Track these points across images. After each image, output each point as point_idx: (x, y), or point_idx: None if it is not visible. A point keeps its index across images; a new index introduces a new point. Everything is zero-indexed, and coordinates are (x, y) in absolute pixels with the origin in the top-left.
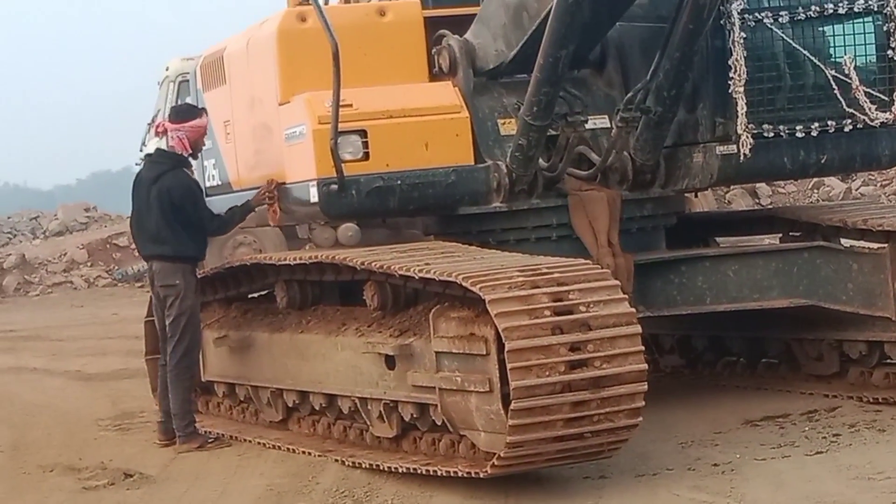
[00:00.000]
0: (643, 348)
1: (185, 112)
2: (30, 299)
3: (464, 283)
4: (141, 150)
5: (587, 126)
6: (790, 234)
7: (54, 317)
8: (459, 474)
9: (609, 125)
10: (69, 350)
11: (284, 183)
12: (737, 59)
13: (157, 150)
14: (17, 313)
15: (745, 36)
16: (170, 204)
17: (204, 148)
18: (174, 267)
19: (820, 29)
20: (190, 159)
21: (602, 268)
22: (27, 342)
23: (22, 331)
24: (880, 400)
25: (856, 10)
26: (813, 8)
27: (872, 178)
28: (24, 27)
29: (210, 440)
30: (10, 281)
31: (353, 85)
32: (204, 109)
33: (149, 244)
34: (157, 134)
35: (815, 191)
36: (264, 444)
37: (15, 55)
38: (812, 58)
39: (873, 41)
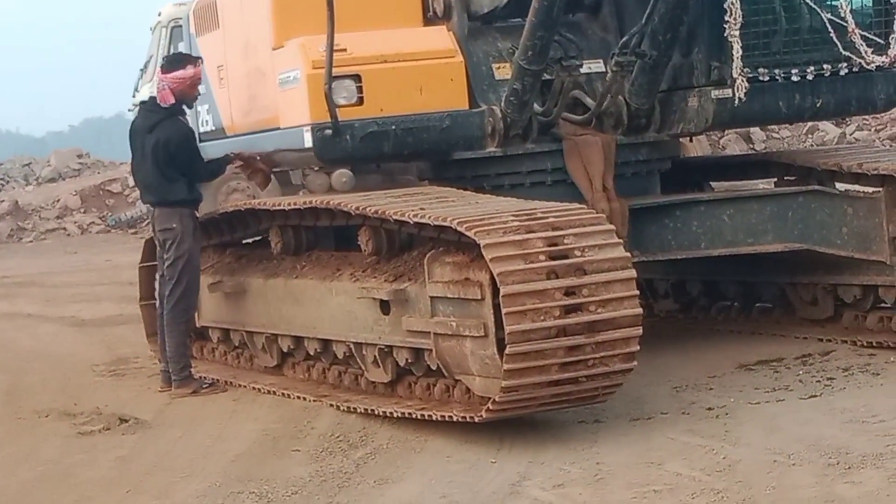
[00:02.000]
0: (638, 293)
1: (172, 62)
2: (23, 245)
3: (458, 228)
4: (133, 97)
5: (582, 70)
6: (785, 178)
7: (48, 263)
8: (454, 419)
9: (604, 69)
10: (63, 296)
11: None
12: (732, 3)
13: (151, 97)
14: (11, 259)
15: None
16: (165, 153)
17: (197, 97)
18: (172, 211)
19: None
20: (184, 107)
21: (597, 212)
22: (21, 288)
23: (16, 277)
24: (874, 344)
25: None
26: None
27: (867, 122)
28: None
29: (205, 385)
30: (4, 227)
31: (346, 29)
32: (195, 59)
33: (146, 192)
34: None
35: (810, 136)
36: (259, 390)
37: (6, 0)
38: (808, 1)
39: None
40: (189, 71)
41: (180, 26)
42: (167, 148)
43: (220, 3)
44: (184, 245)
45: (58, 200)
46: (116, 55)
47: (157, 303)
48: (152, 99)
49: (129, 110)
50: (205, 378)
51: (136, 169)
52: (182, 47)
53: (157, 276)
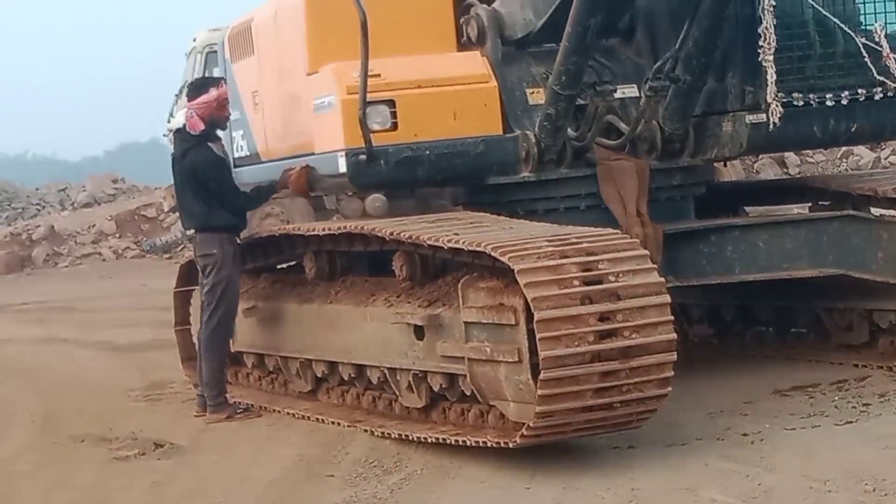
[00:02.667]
0: (672, 318)
1: (195, 88)
2: (59, 271)
3: (493, 253)
4: (168, 122)
5: (616, 95)
6: (820, 203)
7: (83, 288)
8: (488, 444)
9: (638, 94)
10: (99, 321)
11: (313, 153)
12: (766, 27)
13: (183, 125)
14: (47, 285)
15: (774, 3)
16: (195, 180)
17: (228, 117)
18: (211, 237)
19: None
20: (217, 132)
21: (631, 237)
22: (57, 313)
23: (52, 302)
24: None
25: None
26: None
27: None
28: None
29: (239, 411)
30: (40, 252)
31: (381, 55)
32: (217, 80)
33: (187, 219)
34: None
35: (844, 160)
36: (293, 415)
37: (44, 27)
38: (842, 25)
39: None
40: (213, 93)
41: (215, 52)
42: (196, 175)
43: (255, 28)
44: (223, 271)
45: (93, 225)
46: (151, 80)
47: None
48: (184, 127)
49: (165, 136)
50: (239, 403)
51: (177, 196)
52: (217, 73)
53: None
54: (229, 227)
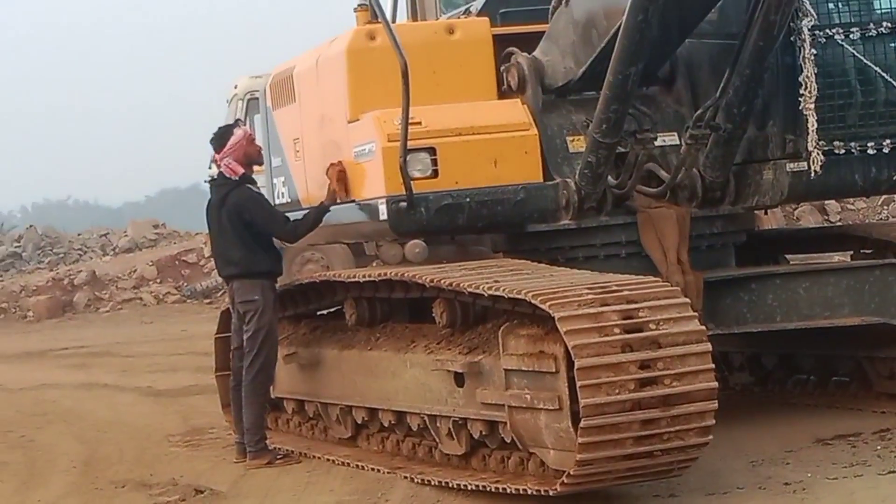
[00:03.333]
0: (713, 366)
1: (219, 138)
2: (100, 315)
3: (533, 301)
4: (210, 168)
5: (656, 143)
6: (861, 251)
7: (124, 333)
8: (529, 492)
9: (678, 142)
10: (139, 366)
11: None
12: (807, 76)
13: (219, 173)
14: (88, 329)
15: (815, 52)
16: (240, 220)
17: (260, 149)
18: (253, 283)
19: (891, 45)
20: (254, 167)
21: (671, 285)
22: (98, 358)
23: (92, 347)
24: None
25: None
26: (884, 24)
27: None
28: (93, 44)
29: (279, 456)
30: (81, 297)
31: (422, 103)
32: (234, 123)
33: (226, 266)
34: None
35: (885, 207)
36: (333, 461)
37: (83, 71)
38: (883, 74)
39: None
40: (238, 133)
41: (256, 98)
42: (241, 215)
43: (296, 76)
44: (265, 317)
45: (134, 270)
46: (192, 126)
47: (232, 375)
48: (220, 174)
49: (206, 181)
50: (279, 449)
51: (215, 244)
52: (258, 120)
53: (233, 349)
54: (269, 272)
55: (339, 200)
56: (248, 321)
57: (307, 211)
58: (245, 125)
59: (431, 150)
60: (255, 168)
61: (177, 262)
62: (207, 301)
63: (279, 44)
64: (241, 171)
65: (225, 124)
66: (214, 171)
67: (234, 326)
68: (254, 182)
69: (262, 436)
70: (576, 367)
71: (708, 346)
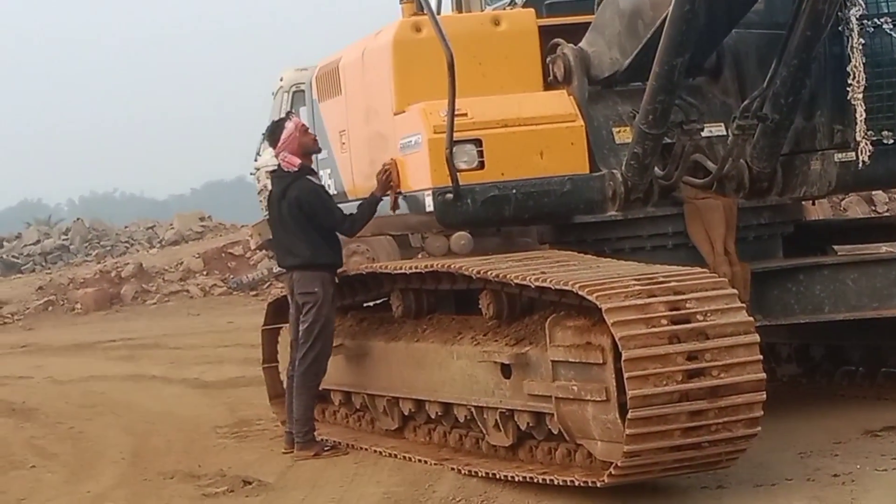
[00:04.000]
0: (761, 357)
1: (273, 132)
2: (147, 308)
3: (580, 292)
4: (255, 160)
5: (703, 134)
6: None
7: (171, 325)
8: (576, 483)
9: (725, 133)
10: (187, 358)
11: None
12: (855, 66)
13: (278, 166)
14: (135, 322)
15: (863, 42)
16: (300, 213)
17: (315, 138)
18: (313, 275)
19: None
20: (311, 163)
21: (719, 276)
22: (146, 350)
23: (140, 339)
24: None
25: None
26: None
27: None
28: (139, 39)
29: (327, 448)
30: (128, 290)
31: (467, 94)
32: (286, 116)
33: (287, 256)
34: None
35: None
36: (380, 453)
37: (131, 66)
38: None
39: None
40: (290, 126)
41: (302, 91)
42: (301, 207)
43: (342, 69)
44: (323, 310)
45: (181, 263)
46: (239, 118)
47: (290, 365)
48: (279, 167)
49: (251, 174)
50: (327, 441)
51: (275, 235)
52: (304, 112)
53: (290, 340)
54: (330, 265)
55: (396, 204)
56: (305, 312)
57: (359, 203)
58: (296, 116)
59: (477, 142)
60: None
61: (223, 255)
62: (253, 293)
63: (322, 33)
64: (298, 162)
65: (277, 118)
66: (265, 159)
67: (292, 318)
68: (314, 173)
69: (310, 427)
70: (623, 358)
71: (756, 338)
